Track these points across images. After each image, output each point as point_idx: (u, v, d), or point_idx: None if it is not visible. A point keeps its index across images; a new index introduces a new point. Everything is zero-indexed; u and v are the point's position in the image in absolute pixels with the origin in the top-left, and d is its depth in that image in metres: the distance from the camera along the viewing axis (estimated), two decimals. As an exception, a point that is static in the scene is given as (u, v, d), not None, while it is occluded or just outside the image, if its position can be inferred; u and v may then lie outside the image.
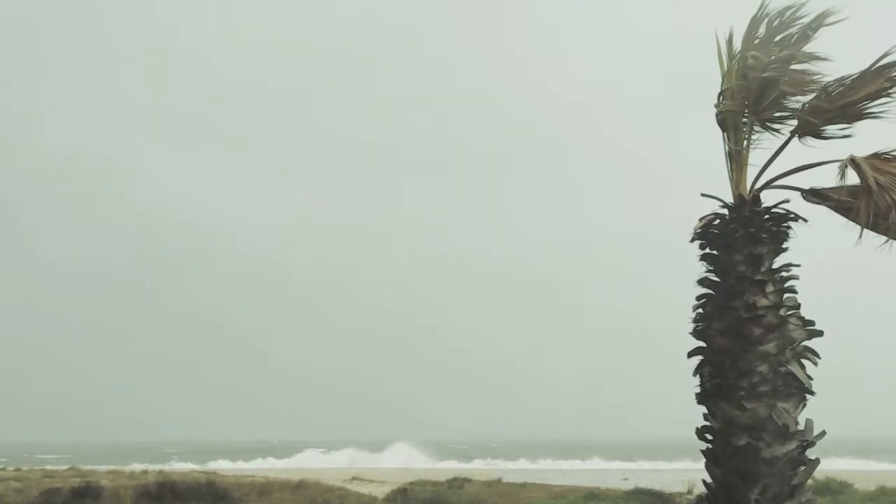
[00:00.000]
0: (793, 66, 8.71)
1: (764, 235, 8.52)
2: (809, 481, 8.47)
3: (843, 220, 8.46)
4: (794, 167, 8.61)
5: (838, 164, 8.32)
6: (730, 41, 8.94)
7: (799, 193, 8.58)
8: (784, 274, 8.54)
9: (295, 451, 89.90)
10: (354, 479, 42.46)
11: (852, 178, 8.29)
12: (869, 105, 8.44)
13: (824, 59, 8.70)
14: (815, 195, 8.56)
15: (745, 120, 8.85)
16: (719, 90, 8.96)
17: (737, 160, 8.78)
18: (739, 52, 8.86)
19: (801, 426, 8.32)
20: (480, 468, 60.01)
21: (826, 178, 8.44)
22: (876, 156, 8.31)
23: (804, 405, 8.36)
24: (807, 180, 8.59)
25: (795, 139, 8.68)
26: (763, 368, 8.22)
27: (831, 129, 8.63)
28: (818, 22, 8.66)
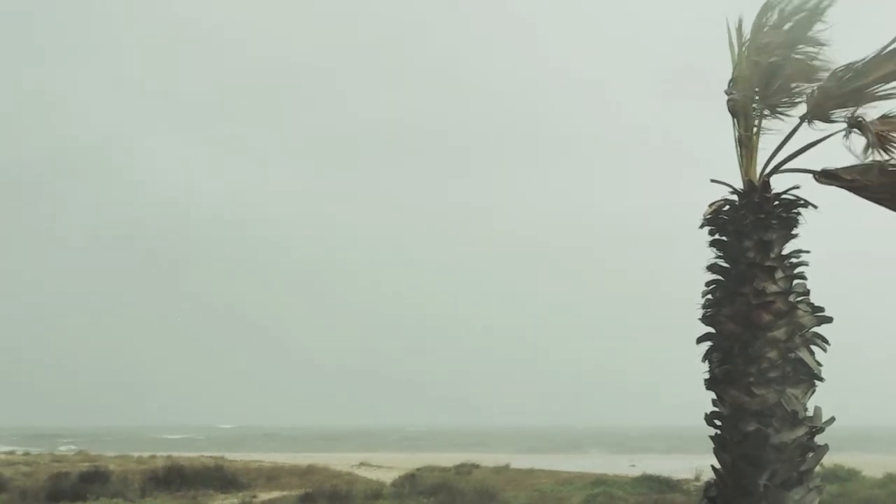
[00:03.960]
0: (800, 50, 8.64)
1: (774, 221, 8.49)
2: (818, 468, 8.46)
3: (853, 207, 8.43)
4: (803, 149, 8.57)
5: (843, 130, 8.29)
6: (739, 27, 8.90)
7: (810, 176, 8.52)
8: (794, 260, 8.52)
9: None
10: (362, 464, 42.56)
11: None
12: (879, 89, 8.36)
13: (831, 45, 8.62)
14: (826, 175, 8.49)
15: (755, 106, 8.80)
16: (730, 77, 8.91)
17: (747, 146, 8.74)
18: (749, 38, 8.80)
19: (810, 412, 8.30)
20: (488, 455, 60.08)
21: (837, 162, 8.40)
22: (884, 117, 8.25)
23: (813, 391, 8.35)
24: (817, 165, 8.53)
25: (805, 125, 8.62)
26: (772, 354, 8.21)
27: (840, 113, 8.54)
28: (825, 5, 8.57)
